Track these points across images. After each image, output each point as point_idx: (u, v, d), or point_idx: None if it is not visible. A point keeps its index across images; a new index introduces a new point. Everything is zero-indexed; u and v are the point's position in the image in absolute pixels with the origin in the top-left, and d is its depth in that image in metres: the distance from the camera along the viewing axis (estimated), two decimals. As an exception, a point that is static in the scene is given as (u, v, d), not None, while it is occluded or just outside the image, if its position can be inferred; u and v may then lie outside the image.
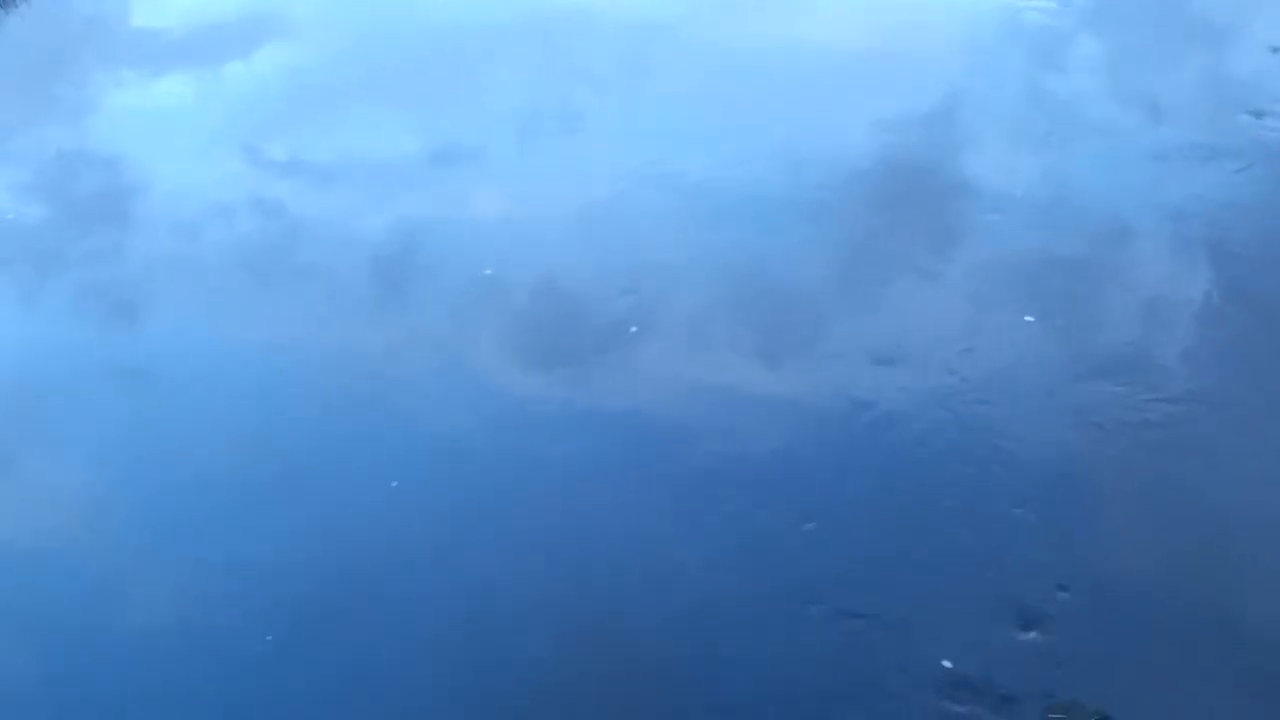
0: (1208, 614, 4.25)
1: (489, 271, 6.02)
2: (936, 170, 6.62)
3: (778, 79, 7.50)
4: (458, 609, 4.43)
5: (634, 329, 5.63)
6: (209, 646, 4.34)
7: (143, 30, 8.52)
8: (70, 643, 4.43)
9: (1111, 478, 4.76)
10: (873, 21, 8.08)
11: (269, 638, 4.35)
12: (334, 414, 5.30)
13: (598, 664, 4.22)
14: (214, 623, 4.42)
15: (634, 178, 6.65)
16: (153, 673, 4.29)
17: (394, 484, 4.92)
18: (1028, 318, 5.53)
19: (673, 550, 4.59)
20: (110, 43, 8.43)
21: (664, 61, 7.78)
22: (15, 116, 7.71)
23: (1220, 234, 5.94)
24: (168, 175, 6.94)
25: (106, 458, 5.17)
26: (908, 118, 6.98)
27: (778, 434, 5.04)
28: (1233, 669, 4.09)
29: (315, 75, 7.85)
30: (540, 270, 5.99)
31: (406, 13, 8.62)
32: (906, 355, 5.36)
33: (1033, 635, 4.22)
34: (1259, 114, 6.76)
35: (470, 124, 7.29)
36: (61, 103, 7.81)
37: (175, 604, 4.46)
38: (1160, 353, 5.31)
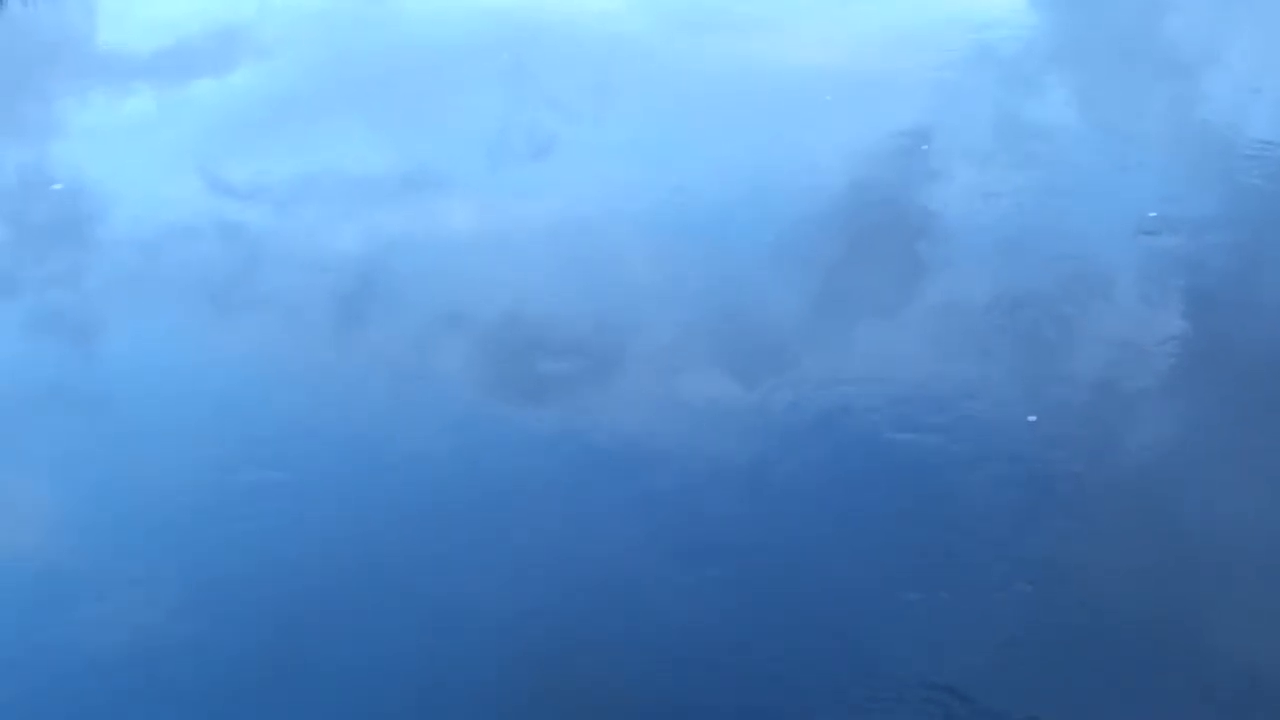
0: (1171, 630, 4.26)
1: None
2: (904, 195, 6.62)
3: (747, 101, 7.51)
4: (422, 626, 4.37)
5: (599, 352, 5.62)
6: (172, 661, 4.27)
7: (110, 50, 8.48)
8: (26, 657, 4.36)
9: (1079, 497, 4.75)
10: (843, 46, 8.11)
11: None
12: (297, 434, 5.24)
13: (563, 683, 4.16)
14: (177, 638, 4.35)
15: (604, 199, 6.63)
16: (109, 688, 4.21)
17: (358, 504, 4.89)
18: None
19: (639, 571, 4.55)
20: (77, 62, 8.38)
21: (635, 84, 7.78)
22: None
23: (1191, 264, 5.96)
24: (132, 195, 6.88)
25: (63, 479, 5.09)
26: (877, 142, 6.99)
27: (745, 456, 5.01)
28: (1194, 685, 4.08)
29: (284, 96, 7.82)
30: (508, 291, 5.96)
31: (377, 33, 8.61)
32: (874, 379, 5.35)
33: (994, 650, 4.20)
34: (1231, 148, 6.80)
35: (440, 146, 7.27)
36: (25, 122, 7.75)
37: (139, 620, 4.39)
38: (1130, 380, 5.31)
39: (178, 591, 4.55)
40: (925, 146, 6.99)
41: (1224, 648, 4.19)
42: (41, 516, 4.93)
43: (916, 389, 5.29)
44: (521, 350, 5.62)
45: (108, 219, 6.72)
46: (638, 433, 5.14)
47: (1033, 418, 5.12)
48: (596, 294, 5.96)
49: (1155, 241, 6.10)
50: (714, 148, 7.10)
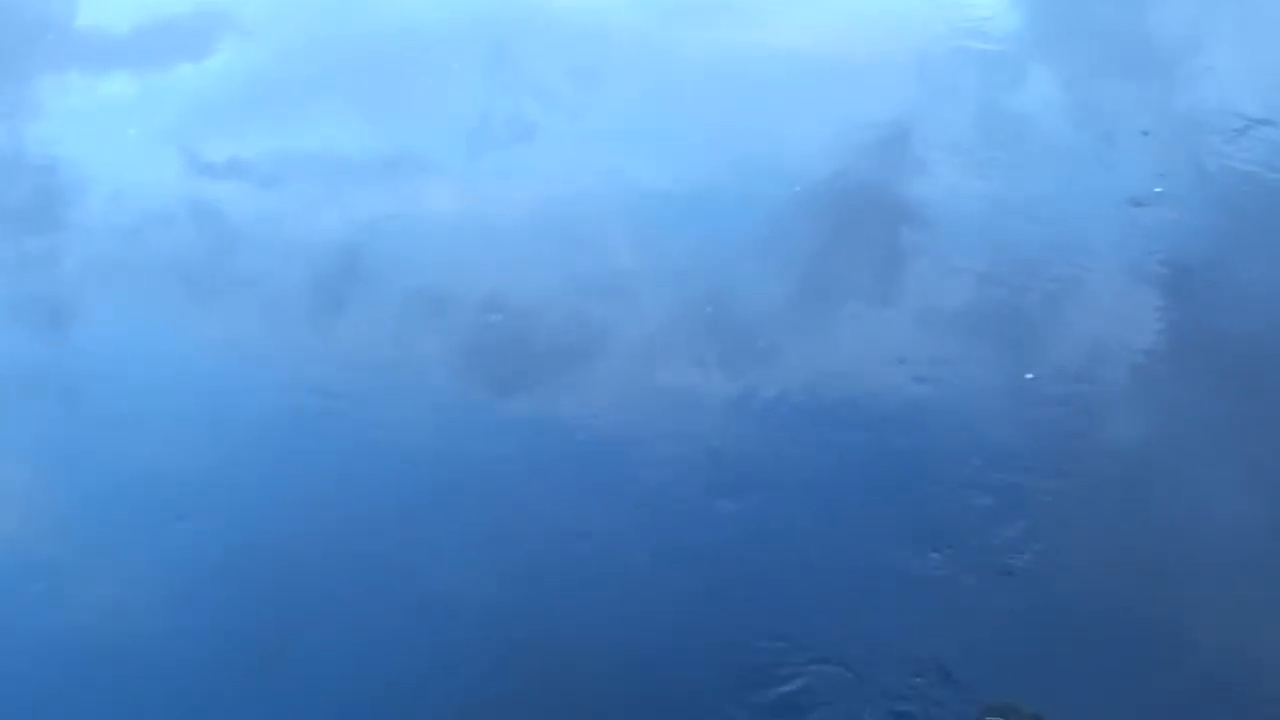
0: (1147, 621, 4.30)
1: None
2: (886, 182, 6.63)
3: (730, 87, 7.50)
4: (403, 611, 4.40)
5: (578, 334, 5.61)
6: (151, 647, 4.30)
7: (89, 30, 8.41)
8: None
9: (1060, 487, 4.78)
10: (827, 32, 8.08)
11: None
12: (274, 419, 5.24)
13: (545, 666, 4.20)
14: (151, 625, 4.37)
15: (585, 185, 6.62)
16: (88, 675, 4.23)
17: (338, 490, 4.87)
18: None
19: (621, 553, 4.58)
20: (55, 43, 8.31)
21: (619, 69, 7.76)
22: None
23: (1172, 257, 5.97)
24: (110, 177, 6.84)
25: (39, 463, 5.07)
26: (860, 128, 6.98)
27: (726, 439, 5.03)
28: (1169, 675, 4.13)
29: (265, 78, 7.77)
30: (490, 276, 5.94)
31: (359, 16, 8.56)
32: (856, 366, 5.36)
33: (971, 636, 4.23)
34: (1210, 136, 6.81)
35: (422, 129, 7.24)
36: (2, 103, 7.69)
37: (117, 606, 4.41)
38: (1111, 372, 5.34)
39: (153, 578, 4.56)
40: (907, 134, 6.99)
41: (1197, 636, 4.21)
42: (17, 501, 4.91)
43: (904, 369, 5.31)
44: (503, 335, 5.62)
45: (87, 200, 6.68)
46: (620, 418, 5.14)
47: (1030, 375, 5.17)
48: (579, 279, 5.95)
49: (1143, 218, 6.10)
50: (698, 133, 7.09)
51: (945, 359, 5.39)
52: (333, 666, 4.22)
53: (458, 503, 4.82)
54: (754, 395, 5.24)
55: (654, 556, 4.57)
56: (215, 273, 6.09)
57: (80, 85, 7.84)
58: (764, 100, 7.36)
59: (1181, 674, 4.12)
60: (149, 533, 4.72)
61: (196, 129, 7.21)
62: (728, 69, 7.67)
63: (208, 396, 5.36)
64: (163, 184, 6.73)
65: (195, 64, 7.93)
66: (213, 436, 5.14)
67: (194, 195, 6.65)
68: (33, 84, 7.92)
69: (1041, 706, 4.01)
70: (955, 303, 5.72)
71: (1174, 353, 5.44)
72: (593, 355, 5.52)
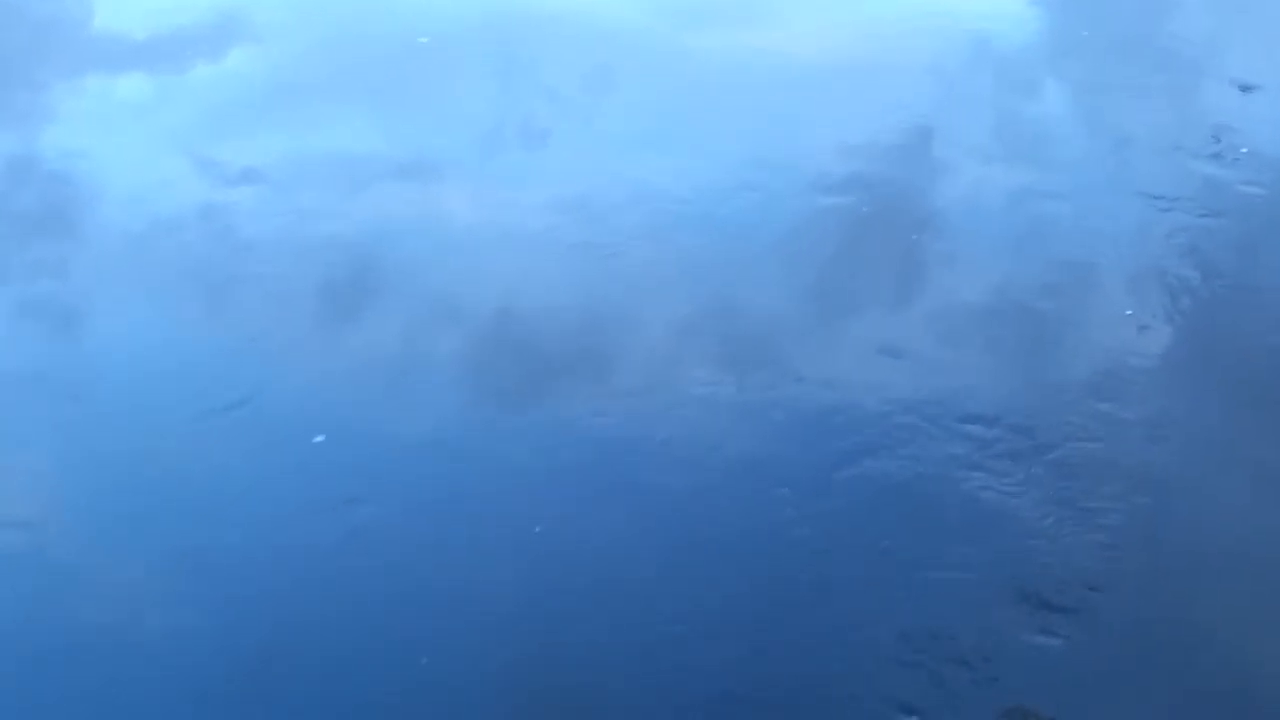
0: (1164, 625, 4.28)
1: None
2: (902, 189, 6.62)
3: (747, 91, 7.50)
4: (413, 619, 4.37)
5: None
6: (157, 650, 4.29)
7: (103, 33, 8.42)
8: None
9: (1078, 493, 4.76)
10: (840, 37, 8.09)
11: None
12: (285, 422, 5.22)
13: (556, 676, 4.18)
14: (167, 626, 4.36)
15: (600, 189, 6.61)
16: (100, 676, 4.22)
17: (349, 494, 4.86)
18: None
19: (631, 562, 4.56)
20: (69, 45, 8.33)
21: (632, 73, 7.76)
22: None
23: (1190, 266, 5.95)
24: (124, 181, 6.84)
25: (45, 473, 5.06)
26: (875, 134, 6.98)
27: (739, 447, 5.01)
28: (1187, 680, 4.11)
29: (279, 82, 7.78)
30: (504, 281, 5.93)
31: (373, 20, 8.58)
32: (870, 376, 5.34)
33: (986, 639, 4.21)
34: (1229, 146, 6.79)
35: (436, 134, 7.24)
36: (16, 107, 7.71)
37: (126, 609, 4.40)
38: (1129, 382, 5.32)
39: (162, 579, 4.55)
40: (921, 141, 6.99)
41: (1215, 640, 4.22)
42: (27, 502, 4.90)
43: (917, 377, 5.30)
44: (518, 338, 5.60)
45: (100, 204, 6.68)
46: (634, 424, 5.12)
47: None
48: (594, 283, 5.94)
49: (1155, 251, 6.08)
50: (714, 137, 7.10)
51: (962, 360, 5.39)
52: (344, 673, 4.21)
53: (470, 507, 4.80)
54: (771, 401, 5.22)
55: (668, 565, 4.54)
56: (228, 276, 6.09)
57: (94, 88, 7.85)
58: (780, 104, 7.37)
59: (1199, 673, 4.11)
60: (163, 537, 4.70)
61: (211, 132, 7.21)
62: (744, 73, 7.68)
63: (221, 400, 5.33)
64: (177, 187, 6.72)
65: (210, 67, 7.94)
66: (227, 440, 5.12)
67: (208, 198, 6.64)
68: (46, 87, 7.93)
69: (1057, 710, 3.99)
70: (975, 308, 5.71)
71: (1200, 358, 5.44)
72: (609, 359, 5.50)
